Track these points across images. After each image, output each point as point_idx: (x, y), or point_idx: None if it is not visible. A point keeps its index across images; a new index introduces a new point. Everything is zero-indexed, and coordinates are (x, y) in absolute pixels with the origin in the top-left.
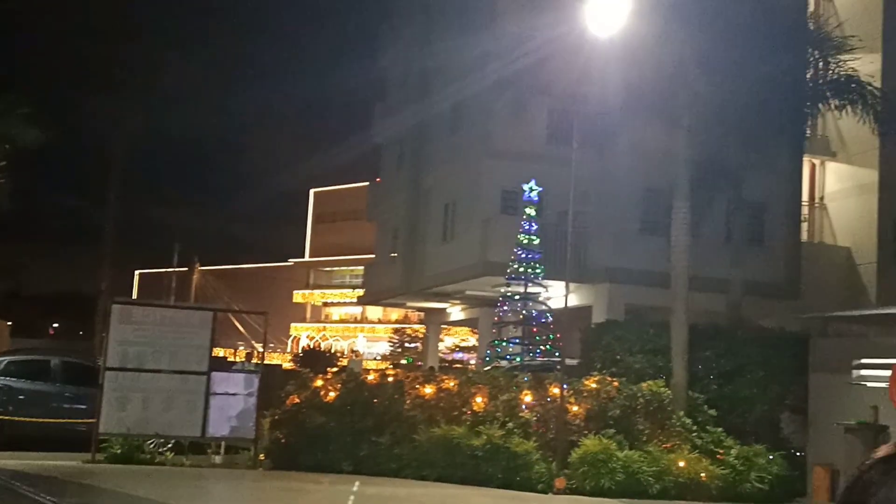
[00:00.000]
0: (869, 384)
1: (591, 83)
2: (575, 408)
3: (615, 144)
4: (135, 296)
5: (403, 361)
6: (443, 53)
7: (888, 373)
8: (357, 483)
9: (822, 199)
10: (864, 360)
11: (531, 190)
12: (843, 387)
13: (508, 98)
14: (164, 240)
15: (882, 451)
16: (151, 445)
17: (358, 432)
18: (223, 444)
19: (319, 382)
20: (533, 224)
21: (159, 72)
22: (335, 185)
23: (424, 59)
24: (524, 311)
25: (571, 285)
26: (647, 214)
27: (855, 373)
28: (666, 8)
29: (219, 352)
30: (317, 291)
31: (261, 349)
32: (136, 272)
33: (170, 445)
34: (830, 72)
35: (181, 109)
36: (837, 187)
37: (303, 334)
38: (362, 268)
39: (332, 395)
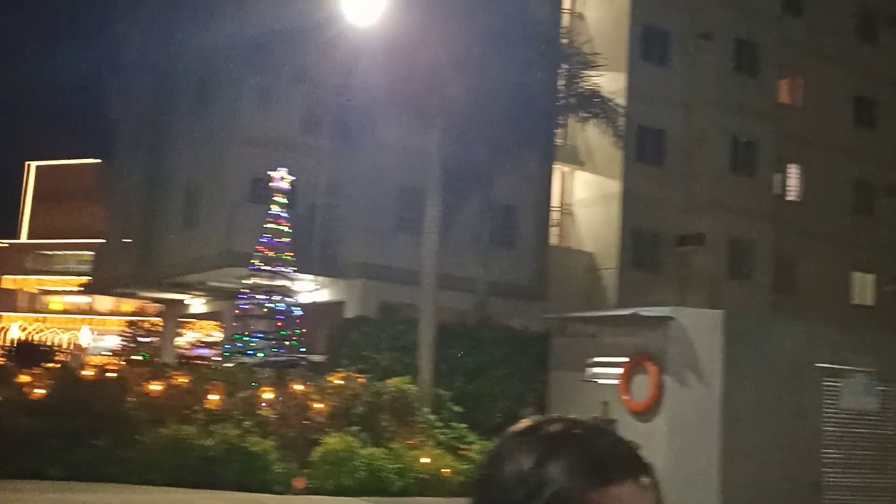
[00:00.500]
0: (600, 381)
1: (350, 75)
2: (318, 405)
3: (373, 139)
4: None
5: (139, 357)
6: (188, 30)
7: (619, 370)
8: (65, 491)
9: (570, 205)
10: (596, 359)
11: (282, 178)
12: (579, 383)
13: (260, 83)
14: None
15: (518, 425)
16: None
17: (72, 434)
18: None
19: (25, 378)
20: (283, 214)
21: None
22: (61, 160)
23: (167, 34)
24: (269, 305)
25: (324, 280)
26: (403, 212)
27: (588, 370)
28: (423, 8)
29: None
30: (33, 277)
31: None
32: None
33: None
34: (577, 86)
35: None
36: (585, 195)
37: (13, 325)
38: (91, 253)
39: (40, 392)
